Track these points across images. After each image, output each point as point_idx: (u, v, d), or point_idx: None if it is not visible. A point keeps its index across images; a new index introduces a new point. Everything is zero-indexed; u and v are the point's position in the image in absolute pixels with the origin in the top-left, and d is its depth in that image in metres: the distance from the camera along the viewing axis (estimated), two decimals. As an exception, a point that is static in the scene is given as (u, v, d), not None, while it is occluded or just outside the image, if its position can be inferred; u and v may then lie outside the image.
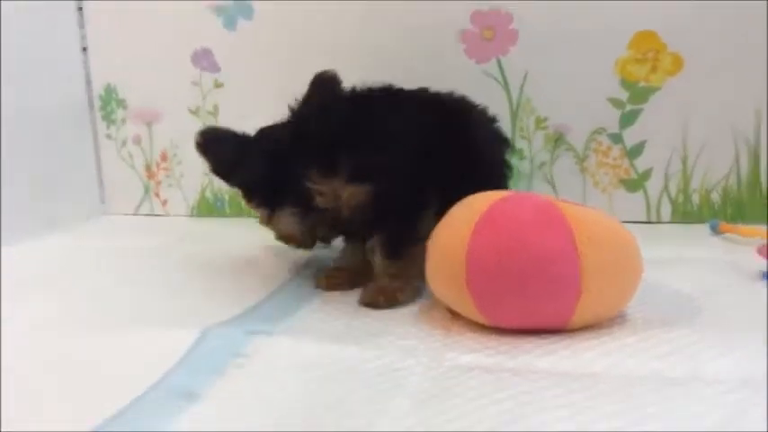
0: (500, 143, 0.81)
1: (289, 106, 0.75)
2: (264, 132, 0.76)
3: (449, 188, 0.67)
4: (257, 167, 0.74)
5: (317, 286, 0.76)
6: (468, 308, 0.60)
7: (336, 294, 0.73)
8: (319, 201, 0.71)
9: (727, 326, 0.59)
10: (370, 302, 0.69)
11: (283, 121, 0.75)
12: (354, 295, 0.71)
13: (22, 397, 0.52)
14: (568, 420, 0.45)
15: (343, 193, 0.70)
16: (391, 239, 0.70)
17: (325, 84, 0.74)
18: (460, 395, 0.49)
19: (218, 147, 0.76)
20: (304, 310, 0.69)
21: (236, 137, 0.76)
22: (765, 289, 0.67)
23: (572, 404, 0.47)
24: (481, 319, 0.60)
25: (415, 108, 0.75)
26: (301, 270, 0.83)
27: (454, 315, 0.63)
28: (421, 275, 0.66)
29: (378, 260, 0.71)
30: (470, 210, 0.62)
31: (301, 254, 0.89)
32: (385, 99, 0.75)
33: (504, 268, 0.57)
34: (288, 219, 0.74)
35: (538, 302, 0.57)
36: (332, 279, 0.76)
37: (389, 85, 0.76)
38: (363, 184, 0.69)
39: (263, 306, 0.70)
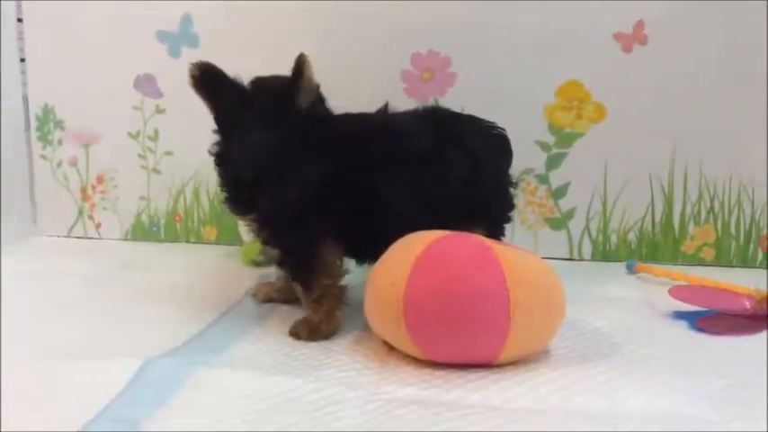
0: None
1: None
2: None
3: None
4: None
5: (253, 295, 0.85)
6: (403, 342, 0.63)
7: (275, 324, 0.76)
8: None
9: (643, 363, 0.64)
10: (294, 334, 0.72)
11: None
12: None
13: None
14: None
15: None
16: (289, 269, 0.76)
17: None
18: (398, 428, 0.52)
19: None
20: (245, 341, 0.70)
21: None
22: (679, 329, 0.74)
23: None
24: (416, 353, 0.63)
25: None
26: (240, 299, 0.84)
27: (389, 347, 0.67)
28: (339, 305, 0.73)
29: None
30: (409, 248, 0.65)
31: (239, 282, 0.91)
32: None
33: (440, 307, 0.60)
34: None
35: (470, 339, 0.61)
36: (266, 291, 0.84)
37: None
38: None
39: (203, 336, 0.72)
